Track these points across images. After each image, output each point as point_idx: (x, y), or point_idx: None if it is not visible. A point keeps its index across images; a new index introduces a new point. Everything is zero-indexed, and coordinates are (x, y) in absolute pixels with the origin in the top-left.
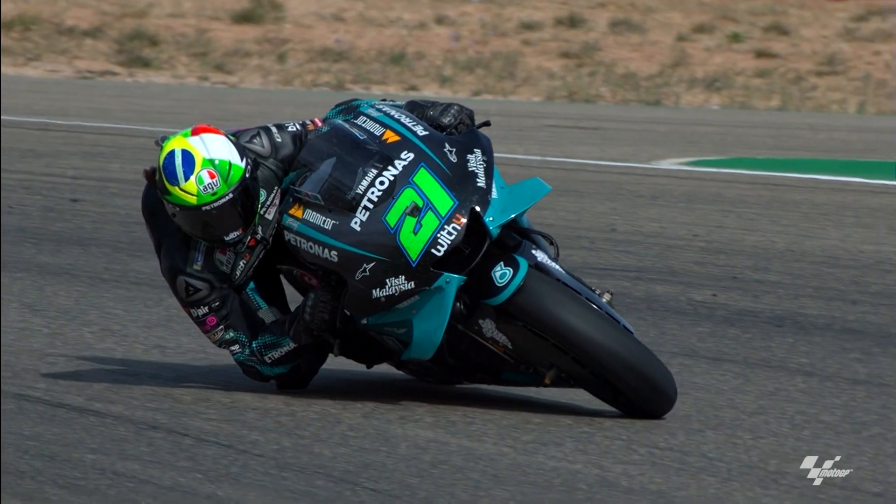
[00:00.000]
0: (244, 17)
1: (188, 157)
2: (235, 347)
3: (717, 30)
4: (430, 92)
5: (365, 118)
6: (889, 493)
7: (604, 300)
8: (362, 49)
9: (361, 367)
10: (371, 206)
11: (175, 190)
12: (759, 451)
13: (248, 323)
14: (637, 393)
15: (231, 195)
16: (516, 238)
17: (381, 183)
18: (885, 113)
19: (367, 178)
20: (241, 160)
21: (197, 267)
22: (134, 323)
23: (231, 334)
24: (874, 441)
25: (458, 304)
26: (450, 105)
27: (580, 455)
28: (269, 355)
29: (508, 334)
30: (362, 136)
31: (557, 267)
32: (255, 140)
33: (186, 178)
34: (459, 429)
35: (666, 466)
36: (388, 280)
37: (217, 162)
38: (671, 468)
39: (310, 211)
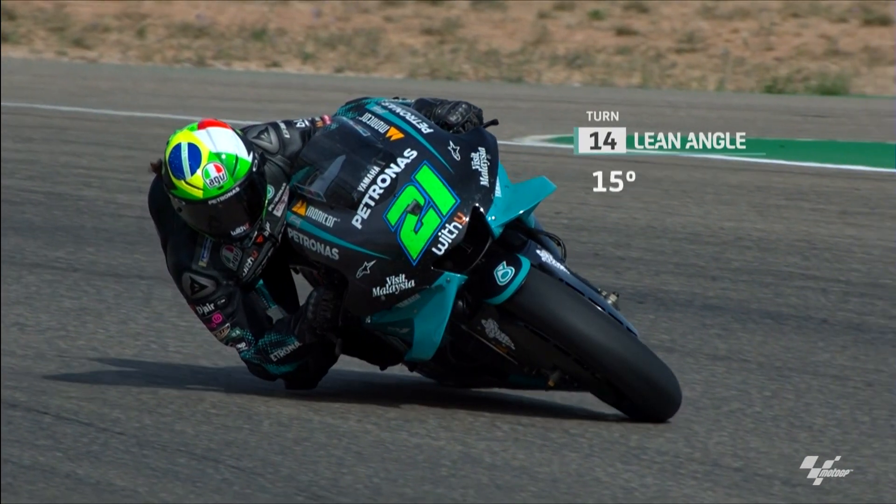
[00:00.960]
0: None
1: (194, 151)
2: (242, 345)
3: (577, 7)
4: (291, 69)
5: (370, 115)
6: (749, 467)
7: (609, 302)
8: (223, 25)
9: (368, 369)
10: (372, 203)
11: (181, 184)
12: (621, 427)
13: (255, 321)
14: (639, 395)
15: (237, 189)
16: (521, 238)
17: (383, 180)
18: (744, 90)
19: (368, 175)
20: (248, 154)
21: (202, 263)
22: None
23: (237, 332)
24: (734, 417)
25: (460, 302)
26: (458, 103)
27: (443, 432)
28: (275, 353)
29: (511, 335)
30: (366, 134)
31: (562, 268)
32: (262, 136)
33: (192, 172)
34: (322, 406)
35: (529, 442)
36: (388, 278)
37: (224, 156)
38: (534, 444)
39: (312, 208)
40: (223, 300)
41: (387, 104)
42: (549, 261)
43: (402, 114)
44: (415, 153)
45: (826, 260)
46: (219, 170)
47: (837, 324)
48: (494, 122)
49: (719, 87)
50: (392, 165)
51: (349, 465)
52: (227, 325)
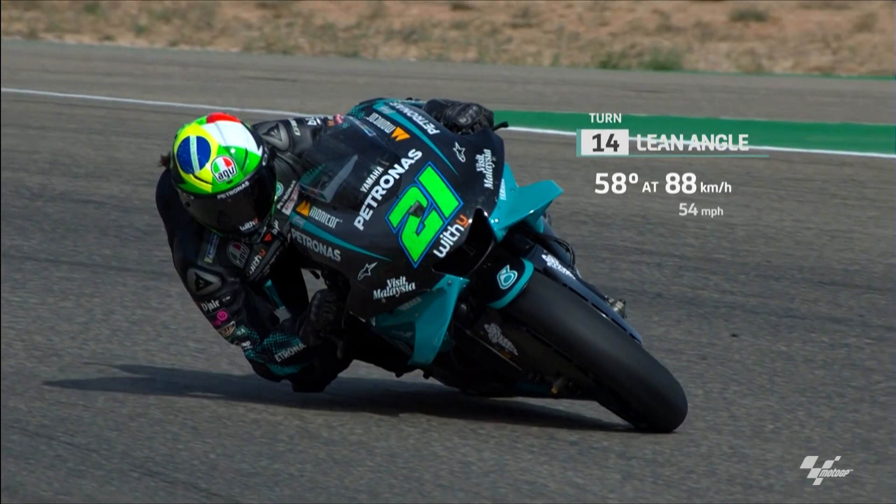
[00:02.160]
0: None
1: (203, 145)
2: (247, 344)
3: None
4: (125, 42)
5: (377, 115)
6: (584, 441)
7: (615, 309)
8: None
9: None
10: (375, 204)
11: (190, 178)
12: (457, 403)
13: (261, 320)
14: (642, 403)
15: (247, 183)
16: (528, 242)
17: (386, 181)
18: (579, 65)
19: (372, 176)
20: (258, 148)
21: (208, 260)
22: None
23: (242, 330)
24: None
25: (462, 306)
26: (469, 105)
27: (281, 407)
28: (280, 354)
29: (513, 339)
30: (372, 134)
31: (568, 273)
32: (273, 133)
33: (201, 166)
34: (159, 382)
35: (366, 417)
36: (389, 281)
37: (233, 150)
38: (371, 419)
39: (316, 209)
40: (228, 297)
41: (395, 105)
42: (554, 266)
43: (408, 114)
44: (419, 154)
45: (661, 235)
46: (228, 164)
47: (672, 298)
48: (504, 125)
49: (554, 63)
50: (396, 166)
51: (185, 440)
52: (232, 322)
